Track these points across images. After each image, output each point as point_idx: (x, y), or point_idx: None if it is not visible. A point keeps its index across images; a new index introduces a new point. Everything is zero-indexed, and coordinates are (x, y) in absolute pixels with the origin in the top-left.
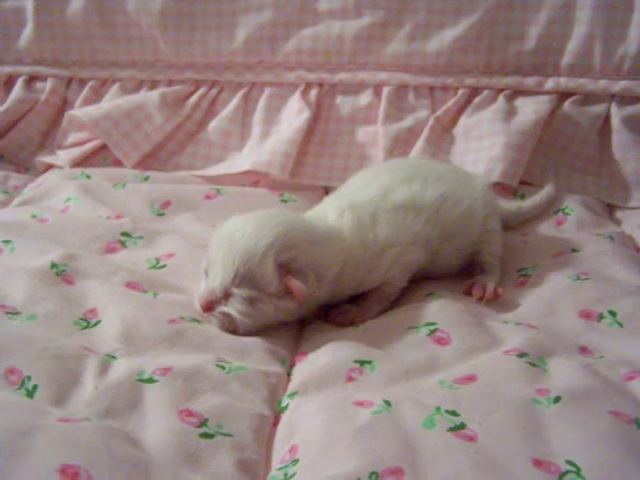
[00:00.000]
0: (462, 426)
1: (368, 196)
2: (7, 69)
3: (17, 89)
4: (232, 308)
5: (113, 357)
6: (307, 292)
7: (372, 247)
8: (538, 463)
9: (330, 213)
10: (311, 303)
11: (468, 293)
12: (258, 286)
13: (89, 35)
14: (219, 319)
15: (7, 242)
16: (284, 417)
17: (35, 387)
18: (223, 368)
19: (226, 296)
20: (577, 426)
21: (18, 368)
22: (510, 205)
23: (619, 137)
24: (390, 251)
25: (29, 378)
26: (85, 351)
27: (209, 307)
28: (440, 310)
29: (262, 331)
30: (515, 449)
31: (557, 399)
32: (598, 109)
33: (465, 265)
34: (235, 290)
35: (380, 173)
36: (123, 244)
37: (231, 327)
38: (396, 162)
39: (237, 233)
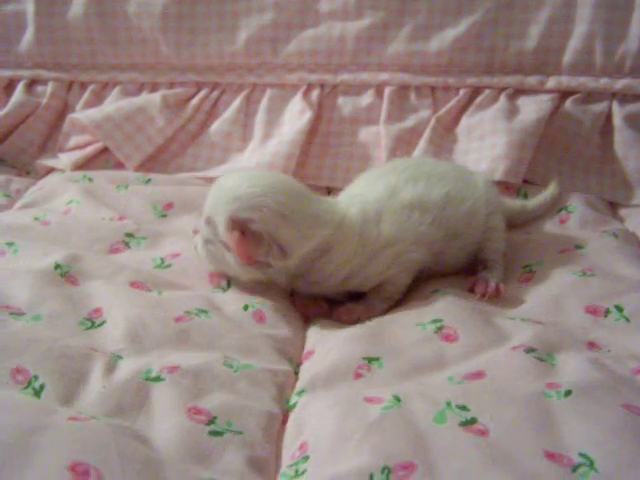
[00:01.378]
0: (473, 421)
1: (376, 195)
2: (8, 73)
3: (18, 93)
4: (197, 241)
5: (119, 357)
6: (249, 254)
7: (373, 243)
8: (551, 456)
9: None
10: (280, 274)
11: (471, 290)
12: (214, 231)
13: (90, 38)
14: None
15: (10, 244)
16: (293, 415)
17: (42, 386)
18: (231, 366)
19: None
20: (589, 419)
21: (25, 368)
22: (515, 203)
23: (621, 135)
24: (391, 249)
25: (36, 377)
26: (91, 351)
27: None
28: (446, 307)
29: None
30: (527, 443)
31: (568, 392)
32: (600, 107)
33: (470, 262)
34: (202, 227)
35: (385, 173)
36: (127, 245)
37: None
38: (399, 162)
39: (220, 184)
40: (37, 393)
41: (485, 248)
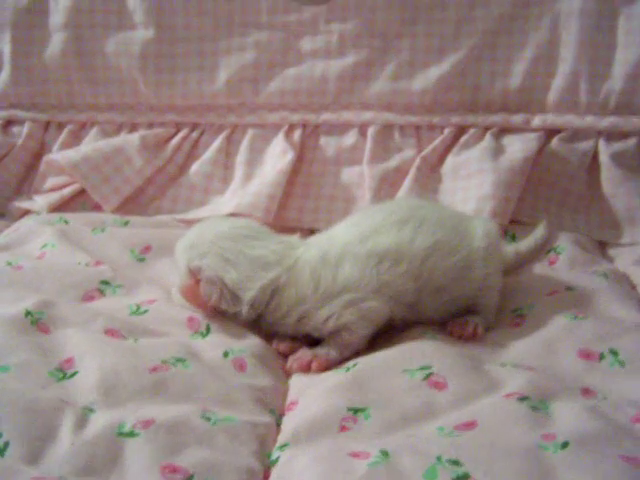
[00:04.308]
0: (466, 476)
1: (349, 237)
2: None
3: None
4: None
5: (91, 410)
6: (200, 301)
7: (327, 287)
8: None
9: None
10: (239, 317)
11: (451, 333)
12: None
13: (67, 78)
14: None
15: None
16: (275, 471)
17: (6, 444)
18: (209, 419)
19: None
20: (588, 472)
21: None
22: (508, 250)
23: (608, 173)
24: (347, 295)
25: (0, 434)
26: (61, 404)
27: None
28: (434, 352)
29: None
30: None
31: (565, 444)
32: (586, 145)
33: (458, 314)
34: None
35: (374, 213)
36: (102, 292)
37: None
38: (397, 202)
39: (187, 233)
40: (0, 451)
41: (477, 304)
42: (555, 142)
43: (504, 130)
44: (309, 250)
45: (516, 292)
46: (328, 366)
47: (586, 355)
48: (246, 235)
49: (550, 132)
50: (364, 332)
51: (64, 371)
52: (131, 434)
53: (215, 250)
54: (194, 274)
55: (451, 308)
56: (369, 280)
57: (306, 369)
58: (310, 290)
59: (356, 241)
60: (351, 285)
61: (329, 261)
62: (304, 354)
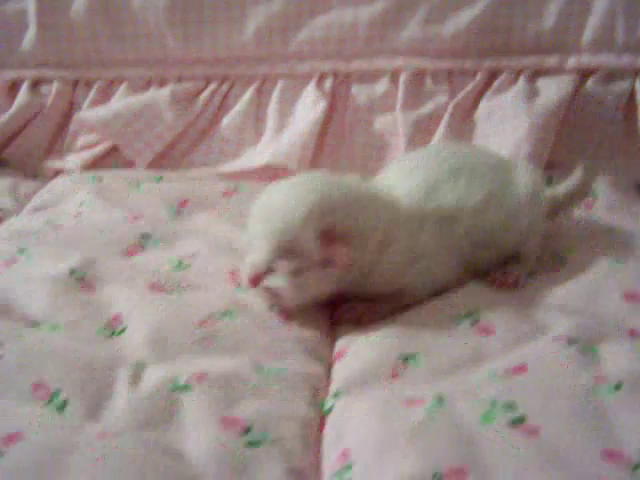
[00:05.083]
0: (522, 419)
1: (412, 190)
2: (11, 74)
3: (22, 94)
4: (277, 281)
5: (144, 365)
6: (350, 259)
7: (413, 250)
8: (609, 455)
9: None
10: (350, 277)
11: (492, 281)
12: (301, 256)
13: (94, 35)
14: (264, 294)
15: (22, 250)
16: (330, 420)
17: (65, 401)
18: (261, 371)
19: (270, 269)
20: None
21: (45, 382)
22: (546, 195)
23: None
24: (422, 261)
25: (57, 392)
26: (113, 360)
27: (255, 282)
28: (480, 299)
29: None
30: (582, 441)
31: (618, 386)
32: (622, 86)
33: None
34: (279, 262)
35: (423, 161)
36: (143, 246)
37: (277, 301)
38: (445, 147)
39: (275, 203)
40: (60, 409)
41: (520, 252)
42: (591, 83)
43: (538, 72)
44: (401, 202)
45: (555, 236)
46: (379, 320)
47: (631, 297)
48: (334, 181)
49: (585, 73)
50: (424, 295)
51: (113, 328)
52: (186, 388)
53: (341, 199)
54: (328, 235)
55: (496, 259)
56: (441, 246)
57: (357, 320)
58: (405, 251)
59: (422, 198)
60: (427, 251)
61: (414, 223)
62: (359, 306)
